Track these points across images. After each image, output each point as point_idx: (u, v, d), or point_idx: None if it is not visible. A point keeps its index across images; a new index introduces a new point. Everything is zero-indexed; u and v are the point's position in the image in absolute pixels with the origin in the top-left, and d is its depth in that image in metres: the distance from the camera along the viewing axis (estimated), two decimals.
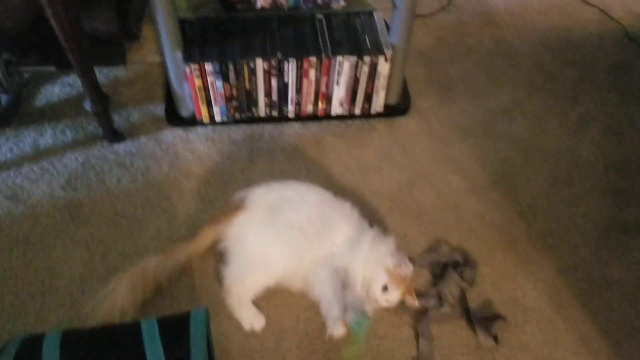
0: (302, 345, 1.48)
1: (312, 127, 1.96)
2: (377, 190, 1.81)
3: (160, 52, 1.79)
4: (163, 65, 1.84)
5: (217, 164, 1.84)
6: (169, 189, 1.77)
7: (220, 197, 1.75)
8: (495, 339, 1.50)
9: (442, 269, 1.62)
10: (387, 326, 1.52)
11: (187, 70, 1.76)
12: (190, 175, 1.80)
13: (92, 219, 1.69)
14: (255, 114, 1.94)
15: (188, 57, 1.75)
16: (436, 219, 1.75)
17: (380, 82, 1.89)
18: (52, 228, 1.66)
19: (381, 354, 1.47)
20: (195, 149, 1.87)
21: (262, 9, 1.81)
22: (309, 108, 1.94)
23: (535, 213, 1.78)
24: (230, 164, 1.84)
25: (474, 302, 1.57)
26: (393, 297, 1.47)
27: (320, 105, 1.93)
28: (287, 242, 1.50)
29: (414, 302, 1.49)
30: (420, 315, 1.54)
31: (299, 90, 1.87)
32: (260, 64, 1.77)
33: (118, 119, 1.93)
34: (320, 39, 1.84)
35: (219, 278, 1.55)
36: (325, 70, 1.82)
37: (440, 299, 1.56)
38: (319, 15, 1.92)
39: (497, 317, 1.54)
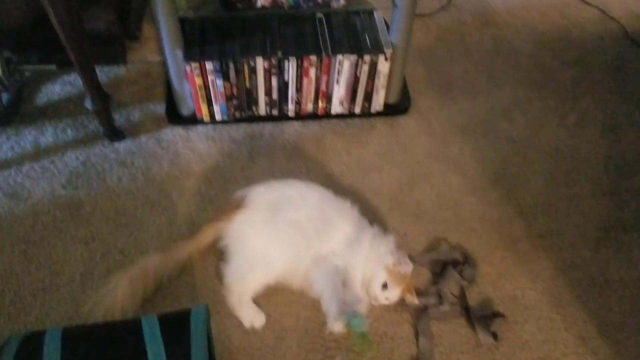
0: (302, 343, 1.48)
1: (312, 126, 1.97)
2: (377, 189, 1.81)
3: (161, 51, 1.80)
4: (163, 64, 1.84)
5: (218, 162, 1.84)
6: (170, 188, 1.77)
7: (221, 195, 1.75)
8: (495, 337, 1.50)
9: (442, 268, 1.63)
10: (387, 324, 1.53)
11: (188, 68, 1.76)
12: (190, 174, 1.81)
13: (92, 218, 1.69)
14: (256, 113, 1.94)
15: (188, 56, 1.76)
16: (436, 218, 1.75)
17: (380, 81, 1.89)
18: (53, 226, 1.66)
19: (381, 351, 1.48)
20: (195, 147, 1.88)
21: (263, 7, 1.82)
22: (309, 107, 1.94)
23: (534, 212, 1.78)
24: (230, 163, 1.84)
25: (473, 300, 1.58)
26: (393, 295, 1.48)
27: (321, 104, 1.93)
28: (288, 240, 1.51)
29: (413, 300, 1.50)
30: (420, 313, 1.54)
31: (299, 89, 1.87)
32: (260, 63, 1.77)
33: (119, 118, 1.94)
34: (320, 38, 1.84)
35: (219, 276, 1.55)
36: (326, 69, 1.82)
37: (440, 298, 1.56)
38: (319, 14, 1.92)
39: (496, 315, 1.54)
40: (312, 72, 1.82)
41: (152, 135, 1.91)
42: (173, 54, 1.75)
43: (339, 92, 1.90)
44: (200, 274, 1.58)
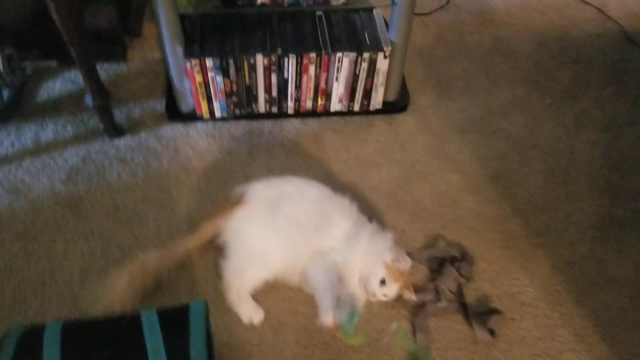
0: (300, 339, 1.49)
1: (312, 124, 1.98)
2: (375, 186, 1.82)
3: (161, 48, 1.80)
4: (164, 61, 1.85)
5: (217, 159, 1.85)
6: (169, 184, 1.78)
7: (220, 192, 1.76)
8: (492, 333, 1.51)
9: (439, 264, 1.64)
10: (385, 320, 1.53)
11: (188, 65, 1.77)
12: (190, 171, 1.81)
13: (92, 214, 1.70)
14: (255, 110, 1.95)
15: (189, 53, 1.77)
16: (434, 215, 1.76)
17: (379, 79, 1.90)
18: (53, 222, 1.67)
19: (379, 347, 1.48)
20: (195, 144, 1.89)
21: (262, 5, 1.82)
22: (308, 104, 1.95)
23: (532, 210, 1.79)
24: (230, 160, 1.85)
25: (471, 297, 1.59)
26: (390, 291, 1.48)
27: (320, 101, 1.94)
28: (286, 237, 1.52)
29: (411, 296, 1.51)
30: (418, 309, 1.55)
31: (298, 86, 1.88)
32: (260, 60, 1.78)
33: (119, 115, 1.94)
34: (319, 36, 1.85)
35: (218, 272, 1.56)
36: (325, 67, 1.83)
37: (438, 294, 1.57)
38: (319, 12, 1.93)
39: (493, 312, 1.55)
40: (312, 69, 1.83)
41: (152, 132, 1.91)
42: (173, 51, 1.75)
43: (338, 89, 1.91)
44: (200, 270, 1.59)
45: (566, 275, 1.65)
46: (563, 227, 1.76)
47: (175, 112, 1.95)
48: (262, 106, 1.94)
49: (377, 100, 1.97)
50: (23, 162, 1.81)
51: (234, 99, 1.89)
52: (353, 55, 1.81)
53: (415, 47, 2.25)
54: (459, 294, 1.59)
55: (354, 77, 1.88)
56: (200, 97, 1.86)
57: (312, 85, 1.88)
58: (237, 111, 1.93)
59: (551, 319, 1.56)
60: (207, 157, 1.85)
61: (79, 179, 1.78)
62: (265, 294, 1.55)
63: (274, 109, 1.95)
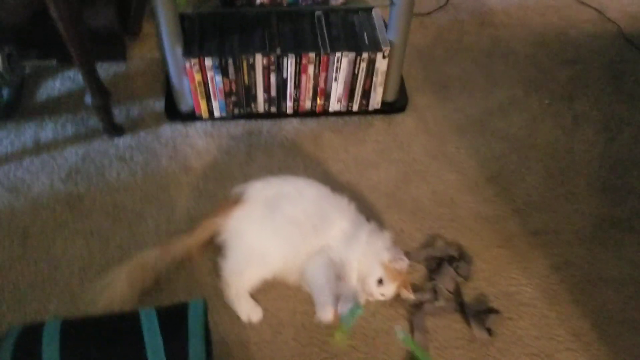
0: (299, 337, 1.49)
1: (311, 123, 1.98)
2: (374, 186, 1.82)
3: (161, 48, 1.81)
4: (163, 60, 1.85)
5: (216, 159, 1.85)
6: (168, 183, 1.78)
7: (219, 191, 1.76)
8: (490, 332, 1.51)
9: (437, 264, 1.64)
10: (383, 319, 1.54)
11: (187, 65, 1.77)
12: (189, 170, 1.82)
13: (91, 212, 1.70)
14: (254, 110, 1.95)
15: (188, 52, 1.77)
16: (432, 215, 1.77)
17: (378, 79, 1.90)
18: (52, 220, 1.68)
19: (376, 347, 1.49)
20: (194, 143, 1.89)
21: (262, 4, 1.83)
22: (307, 104, 1.96)
23: (530, 210, 1.79)
24: (228, 159, 1.85)
25: (468, 296, 1.59)
26: (388, 290, 1.49)
27: (319, 101, 1.95)
28: (285, 236, 1.53)
29: (409, 296, 1.51)
30: (416, 308, 1.55)
31: (297, 86, 1.88)
32: (259, 60, 1.79)
33: (118, 114, 1.95)
34: (318, 36, 1.86)
35: (217, 271, 1.56)
36: (324, 67, 1.84)
37: (436, 293, 1.57)
38: (318, 12, 1.93)
39: (491, 311, 1.55)
40: (311, 69, 1.84)
41: (151, 131, 1.92)
42: (172, 51, 1.76)
43: (337, 89, 1.92)
44: (198, 269, 1.59)
45: (564, 275, 1.65)
46: (561, 227, 1.76)
47: (174, 112, 1.95)
48: (261, 106, 1.94)
49: (375, 101, 1.98)
50: (23, 161, 1.81)
51: (233, 98, 1.89)
52: (352, 55, 1.82)
53: (414, 47, 2.25)
54: (457, 294, 1.59)
55: (353, 77, 1.89)
56: (200, 97, 1.87)
57: (311, 85, 1.89)
58: (236, 111, 1.94)
59: (548, 318, 1.57)
60: (206, 157, 1.86)
61: (78, 178, 1.78)
62: (264, 293, 1.55)
63: (273, 109, 1.96)
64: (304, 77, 1.86)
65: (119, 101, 1.99)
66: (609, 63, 2.27)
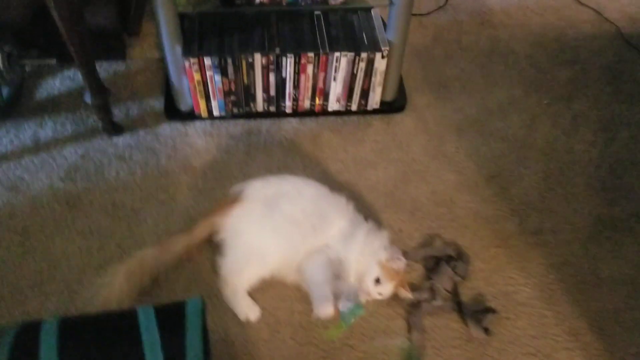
0: (296, 336, 1.50)
1: (309, 123, 1.99)
2: (372, 185, 1.83)
3: (160, 47, 1.81)
4: (163, 59, 1.86)
5: (215, 158, 1.86)
6: (167, 182, 1.79)
7: (218, 190, 1.77)
8: (487, 331, 1.52)
9: (435, 263, 1.64)
10: (381, 318, 1.54)
11: (187, 64, 1.78)
12: (188, 169, 1.82)
13: (90, 211, 1.71)
14: (253, 109, 1.96)
15: (187, 52, 1.78)
16: (430, 215, 1.77)
17: (377, 79, 1.91)
18: (51, 219, 1.68)
19: (374, 346, 1.49)
20: (193, 143, 1.89)
21: (261, 4, 1.83)
22: (306, 104, 1.96)
23: (528, 209, 1.80)
24: (228, 158, 1.86)
25: (466, 295, 1.60)
26: (385, 289, 1.50)
27: (318, 101, 1.95)
28: (283, 235, 1.53)
29: (407, 295, 1.52)
30: (413, 307, 1.56)
31: (296, 85, 1.89)
32: (258, 59, 1.79)
33: (117, 113, 1.95)
34: (318, 35, 1.86)
35: (215, 270, 1.57)
36: (323, 66, 1.84)
37: (433, 293, 1.58)
38: (317, 12, 1.94)
39: (488, 310, 1.55)
40: (310, 69, 1.84)
41: (151, 130, 1.92)
42: (172, 50, 1.76)
43: (336, 89, 1.92)
44: (197, 267, 1.60)
45: (561, 275, 1.66)
46: (559, 227, 1.77)
47: (173, 111, 1.96)
48: (260, 105, 1.94)
49: (374, 100, 1.98)
50: (22, 160, 1.82)
51: (232, 98, 1.90)
52: (351, 55, 1.82)
53: (413, 47, 2.26)
54: (455, 293, 1.60)
55: (352, 77, 1.89)
56: (199, 96, 1.87)
57: (310, 84, 1.89)
58: (235, 110, 1.94)
59: (546, 317, 1.57)
60: (205, 156, 1.86)
61: (77, 176, 1.79)
62: (262, 291, 1.56)
63: (272, 108, 1.96)
64: (302, 77, 1.86)
65: (118, 100, 1.99)
66: (608, 63, 2.27)
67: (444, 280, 1.60)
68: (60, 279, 1.56)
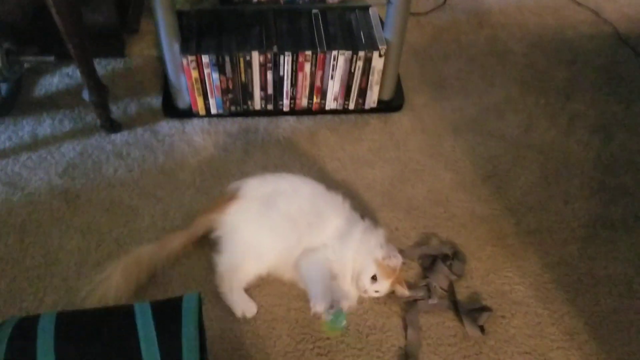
0: (293, 333, 1.50)
1: (307, 122, 1.99)
2: (369, 184, 1.83)
3: (158, 45, 1.82)
4: (161, 57, 1.86)
5: (212, 155, 1.86)
6: (165, 180, 1.79)
7: (215, 188, 1.77)
8: (482, 330, 1.52)
9: (431, 262, 1.65)
10: (377, 316, 1.55)
11: (184, 62, 1.78)
12: (185, 166, 1.83)
13: (88, 208, 1.71)
14: (251, 107, 1.96)
15: (185, 49, 1.78)
16: (427, 213, 1.77)
17: (375, 78, 1.91)
18: (49, 215, 1.69)
19: (370, 343, 1.50)
20: (191, 140, 1.90)
21: (259, 2, 1.84)
22: (303, 102, 1.96)
23: (524, 209, 1.80)
24: (225, 156, 1.86)
25: (462, 294, 1.60)
26: (382, 287, 1.50)
27: (315, 99, 1.96)
28: (280, 232, 1.54)
29: (404, 292, 1.52)
30: (409, 306, 1.56)
31: (294, 84, 1.89)
32: (256, 57, 1.79)
33: (115, 110, 1.96)
34: (315, 34, 1.87)
35: (212, 267, 1.56)
36: (320, 65, 1.84)
37: (429, 291, 1.58)
38: (315, 10, 1.94)
39: (484, 309, 1.56)
40: (307, 67, 1.84)
41: (149, 128, 1.93)
42: (170, 47, 1.77)
43: (334, 87, 1.92)
44: (194, 264, 1.60)
45: (557, 274, 1.66)
46: (555, 226, 1.77)
47: (171, 109, 1.96)
48: (257, 103, 1.95)
49: (372, 99, 1.99)
50: (20, 156, 1.82)
51: (230, 95, 1.90)
52: (348, 53, 1.82)
53: (411, 46, 2.26)
54: (451, 291, 1.60)
55: (349, 76, 1.89)
56: (197, 94, 1.88)
57: (307, 83, 1.90)
58: (233, 108, 1.95)
59: (541, 317, 1.58)
60: (202, 153, 1.86)
61: (75, 173, 1.79)
62: (258, 289, 1.56)
63: (270, 107, 1.97)
64: (300, 75, 1.87)
65: (116, 98, 1.99)
66: (605, 64, 2.28)
67: (440, 279, 1.60)
68: (58, 275, 1.56)
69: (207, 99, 1.90)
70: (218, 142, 1.90)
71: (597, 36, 2.39)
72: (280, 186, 1.61)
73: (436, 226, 1.75)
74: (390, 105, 2.04)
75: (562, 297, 1.62)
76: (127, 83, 2.06)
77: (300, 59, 1.82)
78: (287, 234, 1.53)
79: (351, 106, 2.00)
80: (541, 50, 2.32)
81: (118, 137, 1.89)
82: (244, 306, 1.51)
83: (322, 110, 2.00)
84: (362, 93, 1.96)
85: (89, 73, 1.73)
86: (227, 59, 1.79)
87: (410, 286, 1.57)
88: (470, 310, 1.56)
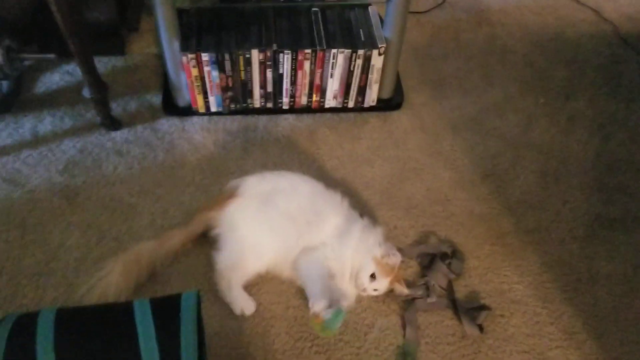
0: (291, 331, 1.51)
1: (306, 120, 1.99)
2: (368, 182, 1.84)
3: (158, 42, 1.82)
4: (161, 55, 1.87)
5: (212, 153, 1.86)
6: (164, 177, 1.79)
7: (214, 186, 1.77)
8: (481, 329, 1.52)
9: (430, 261, 1.65)
10: (375, 314, 1.55)
11: (184, 59, 1.78)
12: (185, 164, 1.83)
13: (88, 204, 1.71)
14: (250, 105, 1.96)
15: (185, 47, 1.78)
16: (426, 212, 1.78)
17: (374, 76, 1.91)
18: (49, 212, 1.69)
19: (368, 342, 1.50)
20: (190, 138, 1.90)
21: (259, 0, 1.84)
22: (303, 100, 1.97)
23: (523, 208, 1.80)
24: (224, 154, 1.87)
25: (460, 293, 1.60)
26: (381, 286, 1.50)
27: (315, 97, 1.96)
28: (278, 230, 1.54)
29: (403, 290, 1.53)
30: (408, 304, 1.56)
31: (293, 82, 1.89)
32: (255, 55, 1.80)
33: (116, 108, 1.96)
34: (315, 32, 1.87)
35: (211, 264, 1.57)
36: (320, 63, 1.85)
37: (428, 289, 1.58)
38: (315, 8, 1.94)
39: (483, 308, 1.56)
40: (307, 65, 1.85)
41: (148, 125, 1.93)
42: (170, 45, 1.77)
43: (333, 86, 1.93)
44: (193, 262, 1.60)
45: (556, 273, 1.66)
46: (554, 225, 1.77)
47: (171, 106, 1.96)
48: (257, 101, 1.95)
49: (371, 97, 1.99)
50: (21, 153, 1.83)
51: (230, 93, 1.90)
52: (348, 51, 1.83)
53: (410, 45, 2.26)
54: (449, 290, 1.60)
55: (349, 74, 1.89)
56: (196, 92, 1.88)
57: (307, 81, 1.90)
58: (233, 106, 1.95)
59: (540, 316, 1.58)
60: (202, 151, 1.87)
61: (75, 170, 1.79)
62: (257, 287, 1.57)
63: (269, 105, 1.97)
64: (299, 73, 1.87)
65: (116, 95, 2.00)
66: (605, 63, 2.28)
67: (438, 278, 1.61)
68: (58, 272, 1.57)
69: (207, 97, 1.90)
70: (217, 140, 1.90)
71: (597, 35, 2.39)
72: (280, 184, 1.61)
73: (435, 225, 1.75)
74: (390, 103, 2.05)
75: (561, 296, 1.62)
76: (127, 81, 2.06)
77: (300, 57, 1.82)
78: (286, 232, 1.54)
79: (350, 104, 2.00)
80: (541, 49, 2.32)
81: (118, 135, 1.90)
82: (243, 304, 1.51)
83: (321, 109, 2.00)
84: (362, 91, 1.96)
85: (89, 71, 1.73)
86: (227, 56, 1.79)
87: (409, 285, 1.58)
88: (468, 309, 1.56)
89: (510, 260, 1.68)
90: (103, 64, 2.09)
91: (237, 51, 1.79)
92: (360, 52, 1.83)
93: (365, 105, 2.01)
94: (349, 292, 1.53)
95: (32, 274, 1.56)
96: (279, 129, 1.95)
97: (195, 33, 1.83)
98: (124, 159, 1.83)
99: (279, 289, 1.58)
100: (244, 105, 1.95)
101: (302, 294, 1.54)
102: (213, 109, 1.94)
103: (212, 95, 1.90)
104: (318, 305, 1.41)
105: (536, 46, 2.33)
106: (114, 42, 2.13)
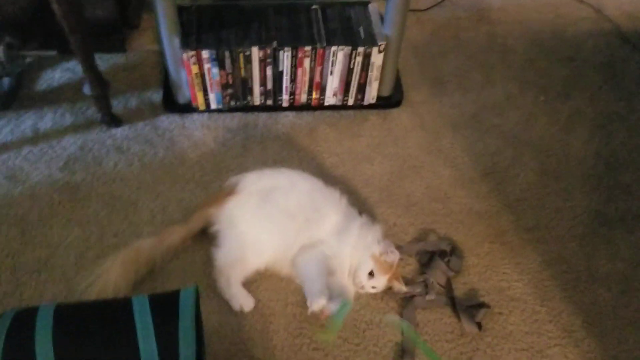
0: (290, 328, 1.51)
1: (306, 117, 1.99)
2: (367, 180, 1.84)
3: (159, 39, 1.82)
4: (161, 52, 1.87)
5: (212, 150, 1.87)
6: (164, 174, 1.80)
7: (214, 182, 1.78)
8: (480, 327, 1.52)
9: (429, 258, 1.65)
10: (374, 312, 1.55)
11: (184, 56, 1.78)
12: (185, 161, 1.83)
13: (88, 201, 1.72)
14: (250, 103, 1.96)
15: (185, 44, 1.78)
16: (425, 210, 1.78)
17: (374, 73, 1.91)
18: (50, 209, 1.69)
19: (367, 339, 1.50)
20: (190, 135, 1.90)
21: None
22: (303, 98, 1.97)
23: (523, 206, 1.80)
24: (224, 151, 1.87)
25: (459, 290, 1.60)
26: (379, 283, 1.51)
27: (314, 95, 1.96)
28: (277, 227, 1.54)
29: (402, 287, 1.53)
30: (406, 302, 1.56)
31: (293, 79, 1.89)
32: (255, 52, 1.80)
33: (116, 105, 1.96)
34: (315, 29, 1.87)
35: (210, 260, 1.57)
36: (320, 60, 1.85)
37: (427, 287, 1.58)
38: (315, 5, 1.95)
39: (481, 306, 1.56)
40: (307, 62, 1.85)
41: (149, 122, 1.93)
42: (170, 42, 1.77)
43: (333, 83, 1.93)
44: (192, 258, 1.61)
45: (555, 271, 1.66)
46: (553, 223, 1.77)
47: (171, 103, 1.97)
48: (257, 99, 1.95)
49: (371, 95, 1.99)
50: (21, 150, 1.83)
51: (230, 90, 1.91)
52: (348, 49, 1.83)
53: (410, 43, 2.26)
54: (448, 288, 1.60)
55: (349, 71, 1.90)
56: (196, 89, 1.88)
57: (306, 78, 1.90)
58: (233, 103, 1.95)
59: (539, 314, 1.58)
60: (202, 148, 1.87)
61: (76, 167, 1.80)
62: (256, 283, 1.57)
63: (269, 102, 1.97)
64: (299, 71, 1.87)
65: (117, 92, 2.00)
66: (606, 61, 2.28)
67: (437, 275, 1.61)
68: (58, 268, 1.57)
69: (207, 94, 1.91)
70: (217, 136, 1.91)
71: (598, 33, 2.39)
72: (279, 181, 1.61)
73: (434, 222, 1.75)
74: (389, 101, 2.05)
75: (560, 294, 1.62)
76: (128, 78, 2.06)
77: (300, 54, 1.82)
78: (285, 229, 1.54)
79: (350, 102, 2.00)
80: (541, 47, 2.31)
81: (118, 132, 1.90)
82: (242, 300, 1.52)
83: (321, 106, 2.00)
84: (361, 89, 1.96)
85: (90, 67, 1.74)
86: (227, 54, 1.80)
87: (408, 282, 1.58)
88: (467, 307, 1.56)
89: (509, 258, 1.68)
90: (104, 61, 2.10)
91: (237, 48, 1.79)
92: (360, 49, 1.83)
93: (365, 102, 2.01)
94: (348, 288, 1.54)
95: (32, 270, 1.56)
96: (278, 127, 1.95)
97: (196, 30, 1.83)
98: (124, 155, 1.84)
99: (277, 286, 1.58)
100: (244, 102, 1.96)
101: (300, 291, 1.54)
102: (213, 106, 1.95)
103: (212, 93, 1.90)
104: (317, 304, 1.41)
105: (536, 44, 2.33)
106: (115, 39, 2.13)
